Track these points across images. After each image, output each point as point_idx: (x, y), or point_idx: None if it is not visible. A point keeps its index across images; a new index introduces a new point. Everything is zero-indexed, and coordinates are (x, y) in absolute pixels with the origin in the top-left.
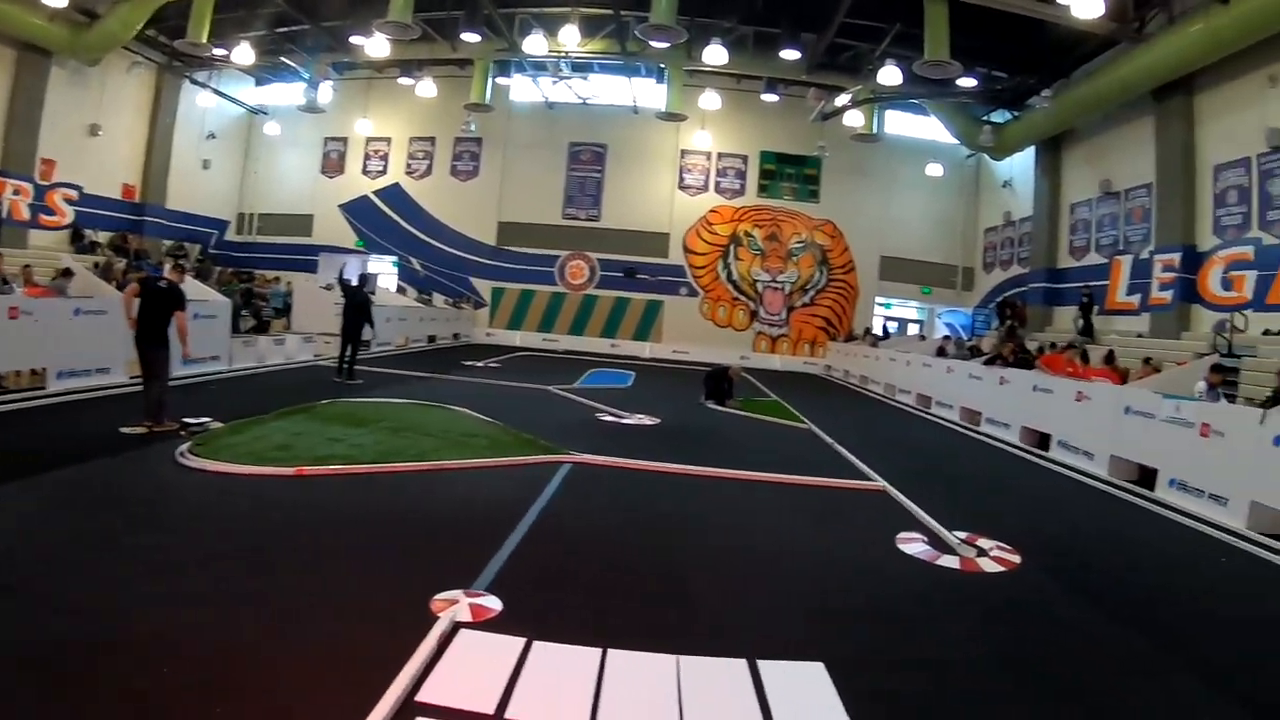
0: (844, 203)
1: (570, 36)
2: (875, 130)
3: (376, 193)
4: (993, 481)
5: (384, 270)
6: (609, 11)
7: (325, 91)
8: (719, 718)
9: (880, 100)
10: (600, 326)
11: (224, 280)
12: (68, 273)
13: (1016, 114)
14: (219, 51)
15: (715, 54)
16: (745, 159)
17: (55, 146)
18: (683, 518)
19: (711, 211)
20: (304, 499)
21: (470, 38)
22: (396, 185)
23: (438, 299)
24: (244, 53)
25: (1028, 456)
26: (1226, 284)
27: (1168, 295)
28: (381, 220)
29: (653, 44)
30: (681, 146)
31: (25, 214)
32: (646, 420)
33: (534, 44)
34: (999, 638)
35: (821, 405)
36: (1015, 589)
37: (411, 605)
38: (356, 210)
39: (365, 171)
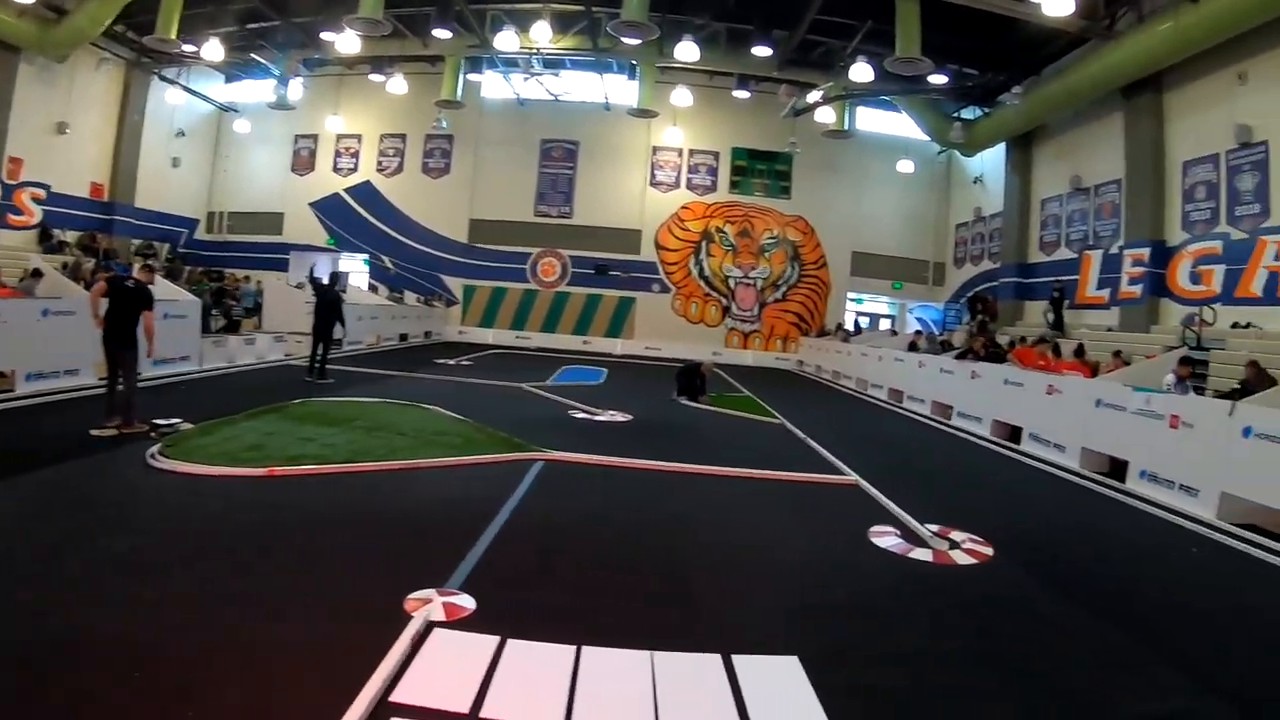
0: (815, 199)
1: (542, 33)
2: (847, 126)
3: (347, 190)
4: (965, 475)
5: (355, 268)
6: (581, 8)
7: (295, 88)
8: (694, 713)
9: (852, 97)
10: (572, 324)
11: (194, 279)
12: (37, 273)
13: (987, 111)
14: (188, 48)
15: (687, 50)
16: (717, 155)
17: (22, 145)
18: (656, 514)
19: (683, 208)
20: (276, 499)
21: (441, 34)
22: (367, 183)
23: (409, 297)
24: (213, 49)
25: (999, 449)
26: (1195, 278)
27: (1137, 289)
28: (352, 218)
29: (624, 40)
30: (653, 143)
31: None
32: (619, 417)
33: (505, 40)
34: (972, 630)
35: (794, 400)
36: (988, 581)
37: (385, 605)
38: (327, 208)
39: (336, 169)
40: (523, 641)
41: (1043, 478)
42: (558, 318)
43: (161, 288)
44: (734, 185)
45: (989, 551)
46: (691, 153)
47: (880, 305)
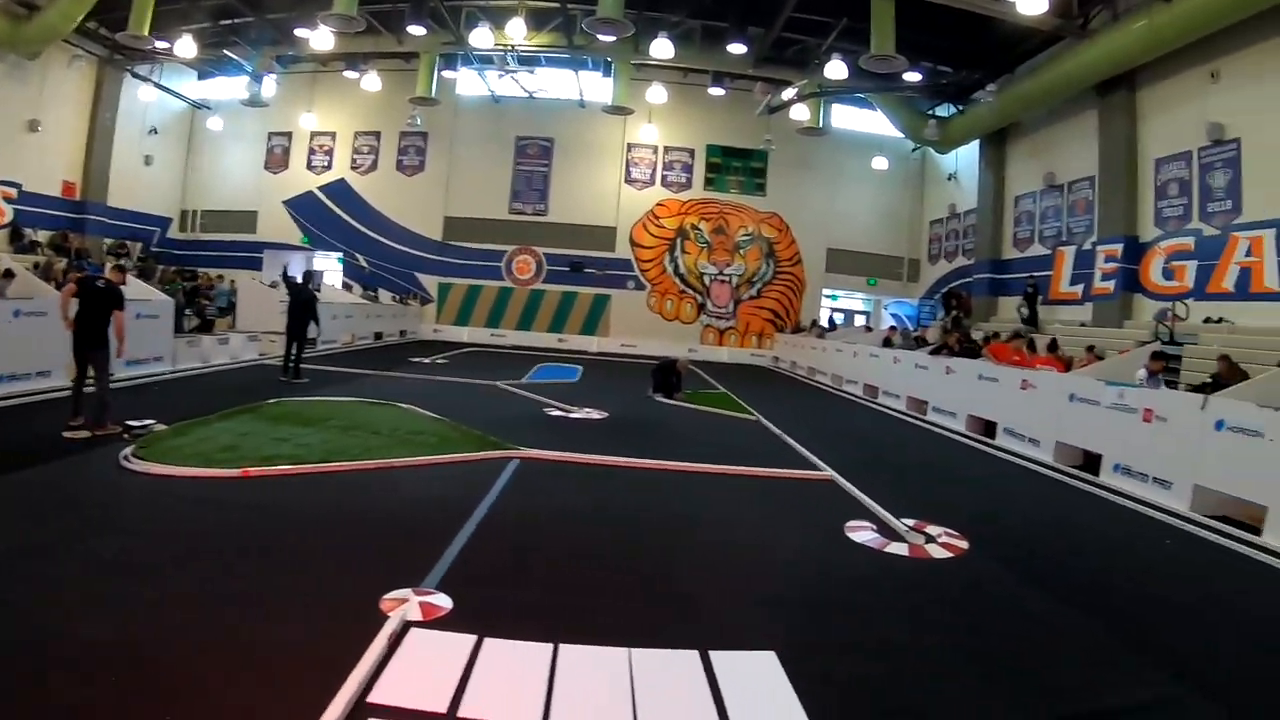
0: (790, 196)
1: (517, 30)
2: (821, 124)
3: (321, 188)
4: (940, 469)
5: (329, 267)
6: (556, 5)
7: (269, 85)
8: (672, 709)
9: (826, 94)
10: (548, 321)
11: (167, 279)
12: (8, 274)
13: (961, 108)
14: (161, 44)
15: (662, 48)
16: (692, 152)
17: None
18: (632, 511)
19: (658, 205)
20: (250, 500)
21: (416, 31)
22: (342, 180)
23: (384, 295)
24: (186, 46)
25: (974, 444)
26: (1168, 274)
27: (1110, 285)
28: (326, 216)
29: (600, 38)
30: (628, 140)
31: None
32: (595, 414)
33: (480, 37)
34: (948, 623)
35: (769, 396)
36: (963, 574)
37: (361, 605)
38: (301, 206)
39: (310, 166)
40: (500, 640)
41: (1017, 472)
42: (533, 315)
43: (134, 287)
44: (709, 182)
45: (965, 545)
46: (666, 150)
47: (855, 301)
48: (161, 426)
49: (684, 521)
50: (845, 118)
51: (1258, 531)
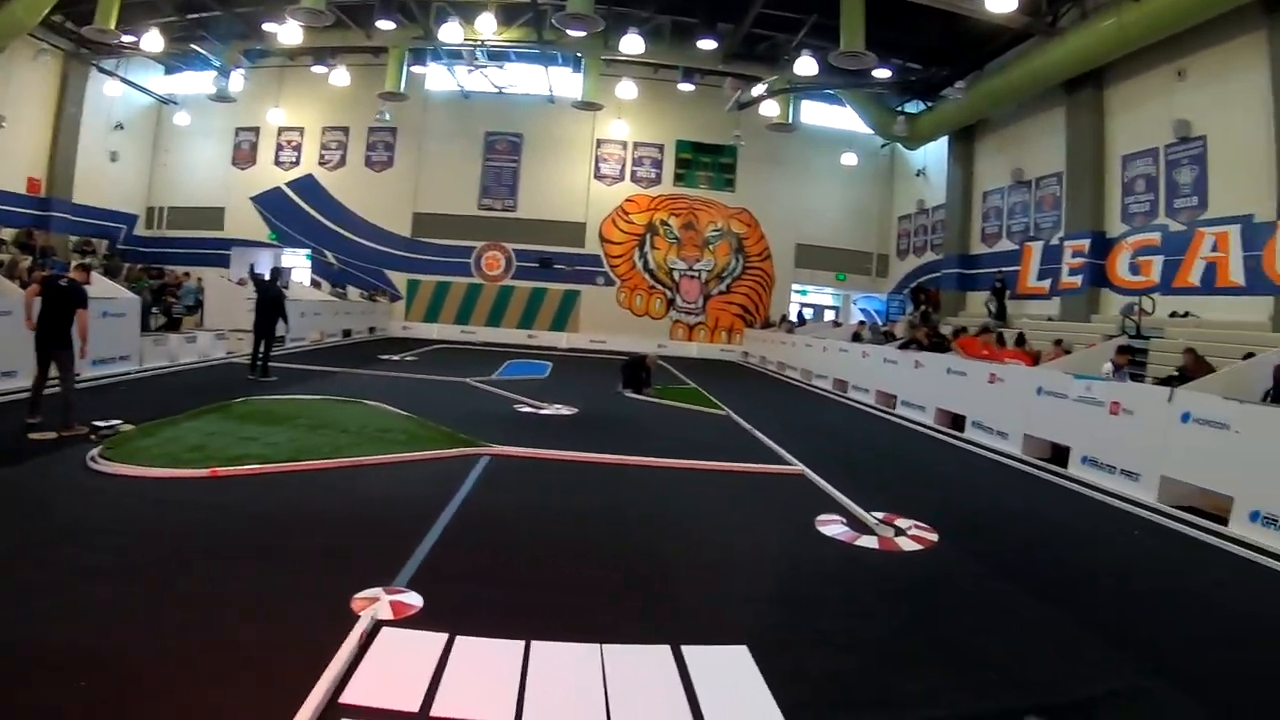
0: (760, 191)
1: (487, 24)
2: (791, 120)
3: (289, 184)
4: (909, 463)
5: (297, 264)
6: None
7: (236, 80)
8: (645, 704)
9: (796, 90)
10: (517, 317)
11: (133, 277)
12: None
13: (930, 104)
14: (127, 38)
15: (632, 43)
16: (661, 148)
17: None
18: (602, 507)
19: (628, 201)
20: (219, 501)
21: (385, 25)
22: (310, 176)
23: (353, 292)
24: (153, 39)
25: (943, 437)
26: (1134, 269)
27: (1078, 280)
28: (294, 212)
29: (570, 33)
30: (598, 136)
31: None
32: (564, 410)
33: (450, 32)
34: (919, 616)
35: (739, 391)
36: (934, 567)
37: (332, 605)
38: (269, 202)
39: (278, 162)
40: (471, 638)
41: (986, 464)
42: (502, 312)
43: (101, 286)
44: (678, 178)
45: (934, 538)
46: (636, 145)
47: (824, 297)
48: (128, 427)
49: (654, 517)
50: (815, 114)
51: (1224, 522)
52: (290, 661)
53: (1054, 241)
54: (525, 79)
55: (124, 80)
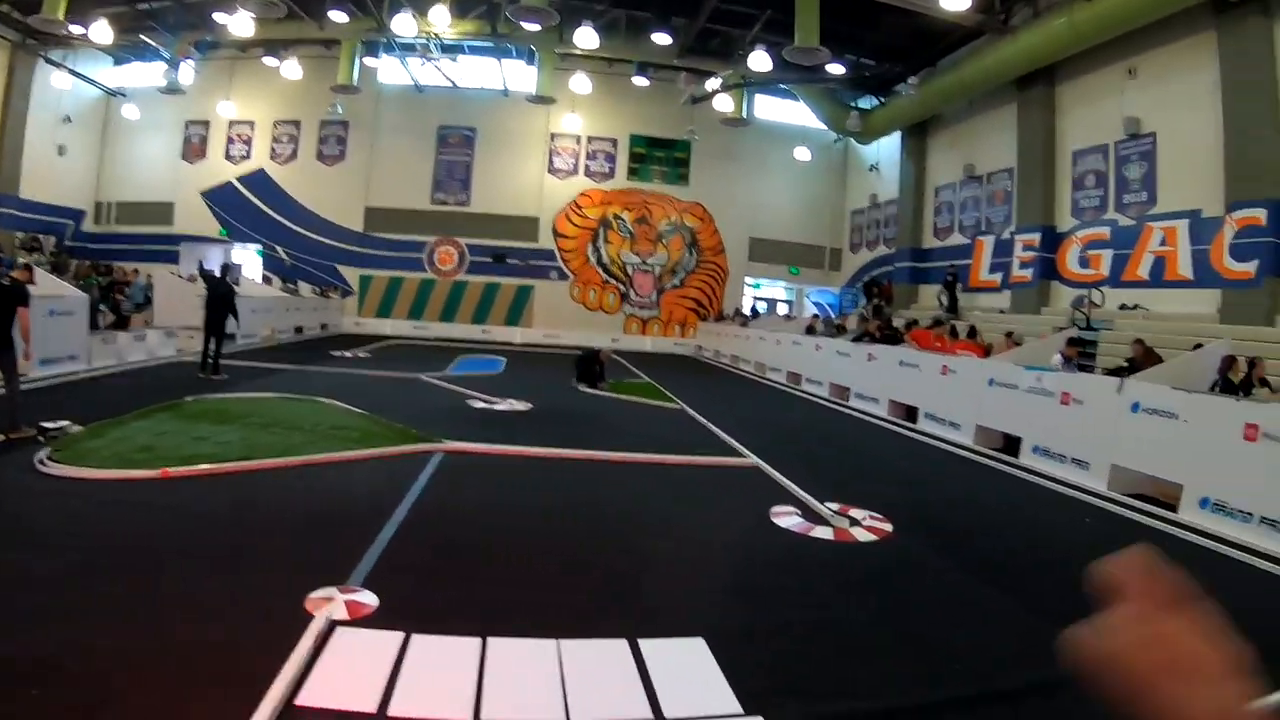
0: (714, 186)
1: (440, 17)
2: (745, 114)
3: (240, 179)
4: (863, 454)
5: (248, 259)
6: None
7: (186, 72)
8: (603, 698)
9: (750, 85)
10: (471, 313)
11: (81, 274)
12: None
13: (883, 100)
14: (76, 29)
15: (586, 37)
16: (615, 143)
17: None
18: (557, 502)
19: (581, 195)
20: (170, 501)
21: (338, 17)
22: (261, 171)
23: (304, 288)
24: (102, 30)
25: (896, 429)
26: (1084, 262)
27: (1028, 273)
28: (245, 207)
29: (524, 26)
30: (552, 130)
31: None
32: (518, 405)
33: (403, 24)
34: (874, 604)
35: (693, 385)
36: (888, 556)
37: (286, 605)
38: (219, 197)
39: (228, 156)
40: (428, 636)
41: (939, 455)
42: (456, 307)
43: (48, 283)
44: (632, 172)
45: (889, 528)
46: (590, 140)
47: (778, 290)
48: (77, 428)
49: (610, 511)
50: (768, 109)
51: (1173, 508)
52: (245, 664)
53: (1005, 235)
54: (479, 72)
55: (72, 72)
